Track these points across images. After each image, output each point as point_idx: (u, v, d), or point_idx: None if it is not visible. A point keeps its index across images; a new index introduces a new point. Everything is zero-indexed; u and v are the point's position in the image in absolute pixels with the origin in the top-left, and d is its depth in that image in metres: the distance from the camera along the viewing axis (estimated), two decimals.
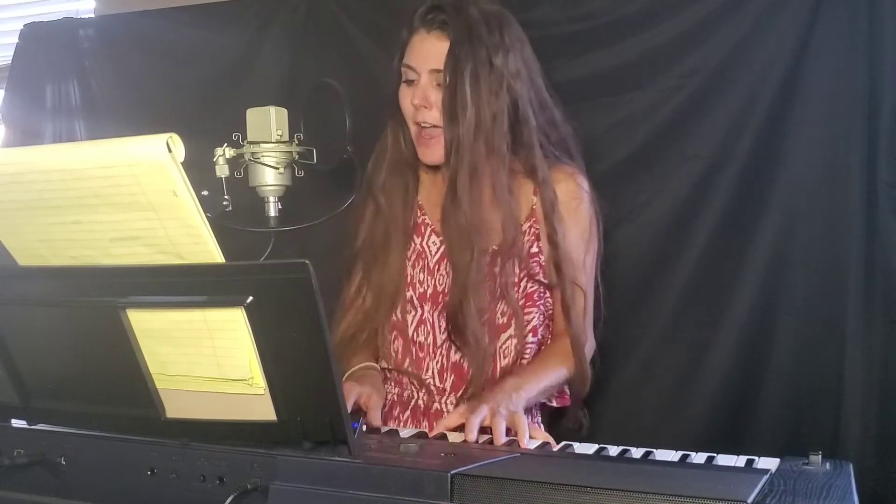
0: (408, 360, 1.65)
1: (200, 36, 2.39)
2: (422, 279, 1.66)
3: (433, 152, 1.60)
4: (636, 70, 2.00)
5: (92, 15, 2.69)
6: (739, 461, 1.15)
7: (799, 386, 1.94)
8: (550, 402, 1.66)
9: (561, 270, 1.60)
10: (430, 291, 1.64)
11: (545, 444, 1.33)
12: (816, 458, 1.07)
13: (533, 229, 1.64)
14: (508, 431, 1.32)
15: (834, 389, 1.88)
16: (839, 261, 1.88)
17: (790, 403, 1.94)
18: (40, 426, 1.19)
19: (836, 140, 1.88)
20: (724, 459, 1.16)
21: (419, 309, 1.65)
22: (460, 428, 1.35)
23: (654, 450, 1.21)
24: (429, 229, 1.69)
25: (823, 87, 1.88)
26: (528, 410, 1.57)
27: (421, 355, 1.65)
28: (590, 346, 1.68)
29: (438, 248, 1.66)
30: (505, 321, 1.61)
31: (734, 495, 0.86)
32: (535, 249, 1.64)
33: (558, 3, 2.06)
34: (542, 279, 1.63)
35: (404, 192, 1.68)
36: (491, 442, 1.30)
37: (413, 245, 1.68)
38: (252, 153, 1.54)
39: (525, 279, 1.63)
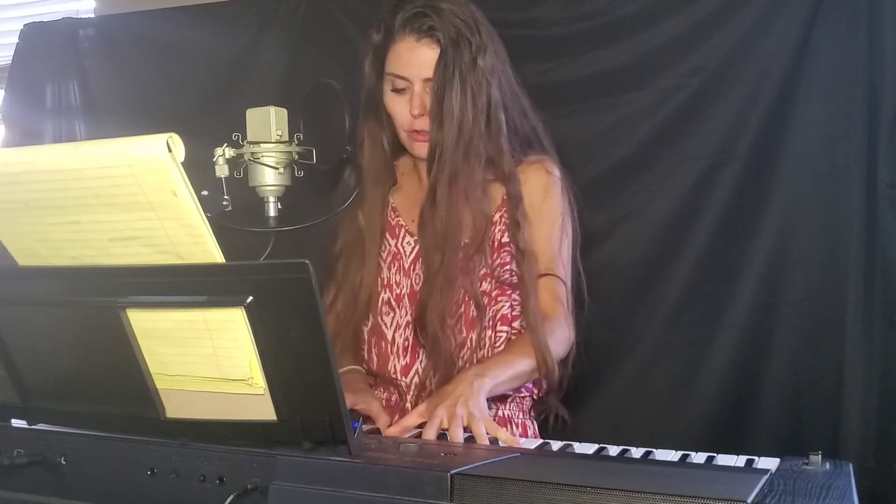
0: (390, 364, 1.63)
1: (200, 36, 2.39)
2: (398, 280, 1.65)
3: (426, 147, 1.58)
4: (636, 70, 2.00)
5: (92, 15, 2.69)
6: (739, 461, 1.15)
7: (799, 386, 1.94)
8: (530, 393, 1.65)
9: (521, 266, 1.59)
10: (406, 292, 1.63)
11: (545, 443, 1.33)
12: (816, 458, 1.07)
13: (504, 219, 1.62)
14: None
15: (834, 389, 1.88)
16: (839, 261, 1.88)
17: (790, 403, 1.94)
18: (40, 426, 1.18)
19: (836, 140, 1.88)
20: (724, 459, 1.16)
21: (396, 311, 1.64)
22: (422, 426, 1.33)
23: (654, 450, 1.21)
24: (403, 230, 1.67)
25: (823, 87, 1.88)
26: (497, 400, 1.58)
27: (404, 357, 1.63)
28: (568, 338, 1.61)
29: (413, 249, 1.65)
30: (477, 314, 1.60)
31: (734, 495, 0.86)
32: (505, 239, 1.62)
33: (558, 3, 2.06)
34: (515, 268, 1.61)
35: (382, 200, 1.67)
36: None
37: (388, 247, 1.67)
38: (252, 153, 1.54)
39: (496, 271, 1.60)
